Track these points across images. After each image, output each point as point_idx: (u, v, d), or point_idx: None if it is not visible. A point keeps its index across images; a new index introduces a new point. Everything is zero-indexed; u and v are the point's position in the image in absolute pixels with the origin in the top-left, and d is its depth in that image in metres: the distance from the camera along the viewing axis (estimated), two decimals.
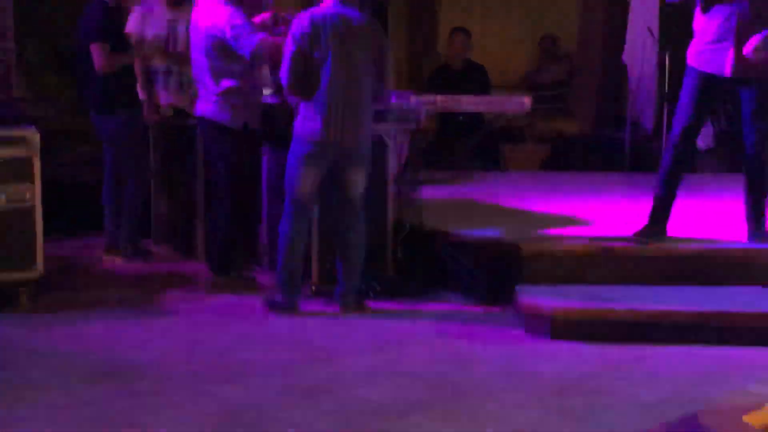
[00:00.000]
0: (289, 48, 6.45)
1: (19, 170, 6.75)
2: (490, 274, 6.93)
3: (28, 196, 6.77)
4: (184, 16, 7.82)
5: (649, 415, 4.83)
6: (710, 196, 8.50)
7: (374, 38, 6.60)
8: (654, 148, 10.07)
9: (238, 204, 7.17)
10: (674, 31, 7.16)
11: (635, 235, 6.82)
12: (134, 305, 6.88)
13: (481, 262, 7.01)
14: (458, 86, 10.25)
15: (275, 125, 7.12)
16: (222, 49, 6.97)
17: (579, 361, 5.69)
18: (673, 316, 6.07)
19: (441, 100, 8.86)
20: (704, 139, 10.29)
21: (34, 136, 6.83)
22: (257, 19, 7.18)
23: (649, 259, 6.67)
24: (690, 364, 5.62)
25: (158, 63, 8.20)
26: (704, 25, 6.65)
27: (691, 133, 6.75)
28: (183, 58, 7.87)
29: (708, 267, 6.60)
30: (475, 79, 10.79)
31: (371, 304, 6.81)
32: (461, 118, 10.39)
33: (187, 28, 7.48)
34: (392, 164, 7.28)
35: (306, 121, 6.52)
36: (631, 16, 10.83)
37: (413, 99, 7.62)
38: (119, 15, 8.04)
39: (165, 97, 8.26)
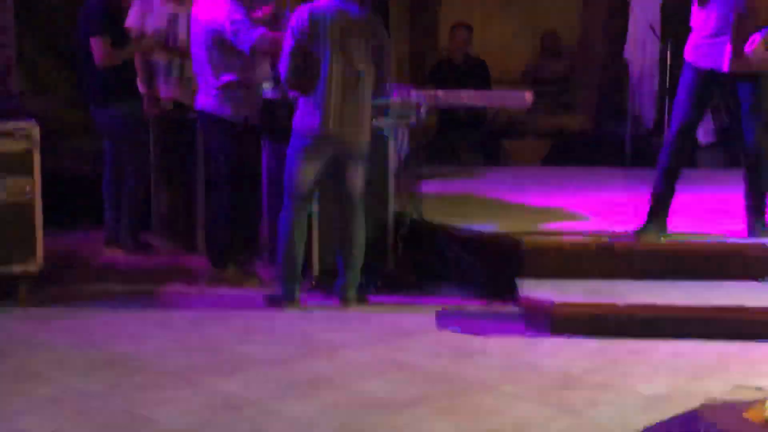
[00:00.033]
0: (288, 43, 6.44)
1: (18, 164, 6.74)
2: (490, 269, 6.93)
3: (27, 189, 6.77)
4: (185, 11, 7.82)
5: (649, 409, 4.83)
6: (711, 190, 8.49)
7: (373, 33, 6.59)
8: (655, 143, 10.05)
9: (238, 198, 7.17)
10: (675, 27, 7.14)
11: (636, 231, 6.81)
12: (134, 298, 6.88)
13: (481, 257, 7.01)
14: (459, 81, 10.25)
15: (275, 119, 7.12)
16: (222, 44, 6.96)
17: (579, 355, 5.69)
18: (673, 311, 6.07)
19: (442, 95, 8.85)
20: (705, 134, 10.28)
21: (33, 129, 6.82)
22: (258, 14, 7.17)
23: (650, 254, 6.67)
24: (690, 359, 5.62)
25: (159, 57, 8.19)
26: (701, 20, 6.65)
27: (688, 128, 6.74)
28: (183, 52, 7.86)
29: (708, 262, 6.59)
30: (476, 74, 10.79)
31: (372, 298, 6.81)
32: (462, 112, 10.39)
33: (188, 23, 7.48)
34: (393, 159, 7.28)
35: (305, 116, 6.51)
36: (632, 12, 10.82)
37: (414, 94, 7.61)
38: (119, 9, 8.03)
39: (165, 91, 8.26)
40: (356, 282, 6.70)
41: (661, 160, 6.81)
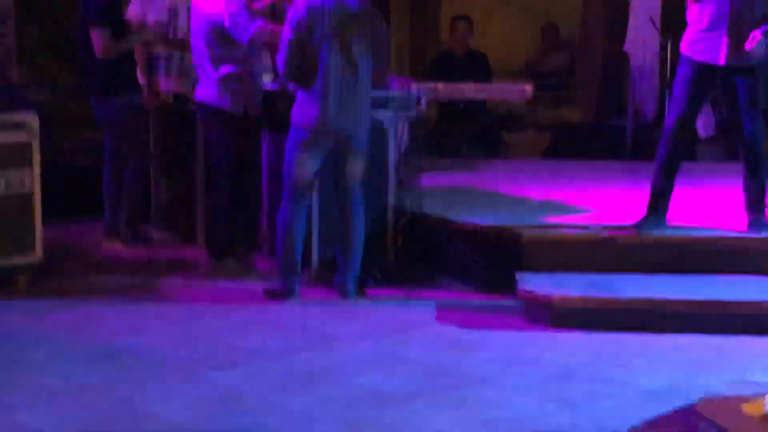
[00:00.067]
0: (286, 35, 6.43)
1: (18, 155, 6.75)
2: (490, 262, 6.93)
3: (27, 181, 6.77)
4: (185, 3, 7.82)
5: (647, 403, 4.83)
6: (711, 184, 8.47)
7: (372, 25, 6.58)
8: (655, 136, 9.96)
9: (238, 190, 7.16)
10: (676, 20, 7.13)
11: (636, 225, 6.81)
12: (133, 290, 6.88)
13: (481, 250, 7.00)
14: (460, 74, 10.23)
15: (275, 111, 7.11)
16: (221, 36, 6.96)
17: (578, 349, 5.69)
18: (673, 305, 6.06)
19: (442, 88, 8.84)
20: (706, 128, 10.27)
21: (33, 121, 6.82)
22: (257, 5, 7.16)
23: (650, 248, 6.66)
24: (689, 353, 5.62)
25: (159, 49, 8.18)
26: (697, 13, 6.64)
27: (686, 122, 6.73)
28: (184, 44, 7.85)
29: (708, 256, 6.59)
30: (476, 67, 10.76)
31: (371, 291, 6.81)
32: (462, 105, 10.37)
33: (188, 14, 7.47)
34: (393, 151, 7.27)
35: (303, 108, 6.51)
36: (633, 5, 10.79)
37: (414, 86, 7.60)
38: (120, 1, 8.02)
39: (165, 83, 8.25)
40: (355, 275, 6.70)
41: (659, 154, 6.80)
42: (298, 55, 6.42)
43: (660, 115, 10.25)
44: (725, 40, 6.49)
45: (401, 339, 5.88)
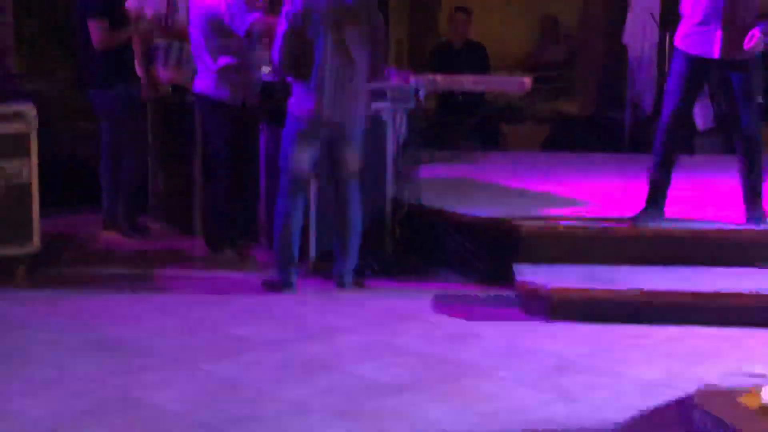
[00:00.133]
0: (281, 27, 6.42)
1: (15, 146, 6.74)
2: (488, 254, 6.93)
3: (24, 171, 6.77)
4: None
5: (644, 394, 4.83)
6: (709, 177, 8.47)
7: (368, 16, 6.56)
8: (654, 129, 9.99)
9: (235, 181, 7.16)
10: (675, 12, 7.12)
11: (633, 217, 6.81)
12: (131, 281, 6.88)
13: (479, 242, 7.00)
14: (459, 66, 10.23)
15: (274, 102, 7.10)
16: (219, 27, 6.96)
17: (575, 340, 5.69)
18: (670, 297, 6.07)
19: (441, 80, 8.83)
20: (704, 120, 10.26)
21: (30, 111, 6.82)
22: None
23: (647, 240, 6.66)
24: (686, 345, 5.62)
25: (157, 40, 8.17)
26: (691, 7, 6.63)
27: (681, 116, 6.72)
28: (182, 36, 7.84)
29: (705, 248, 6.59)
30: (475, 59, 10.76)
31: (369, 282, 6.81)
32: (461, 97, 10.37)
33: (186, 6, 7.46)
34: (391, 143, 7.27)
35: (299, 100, 6.50)
36: None
37: (413, 78, 7.59)
38: None
39: (164, 74, 8.24)
40: (353, 266, 6.70)
41: (655, 147, 6.81)
42: (294, 47, 6.41)
43: (658, 108, 10.22)
44: (719, 33, 6.49)
45: (399, 330, 5.88)
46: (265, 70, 7.37)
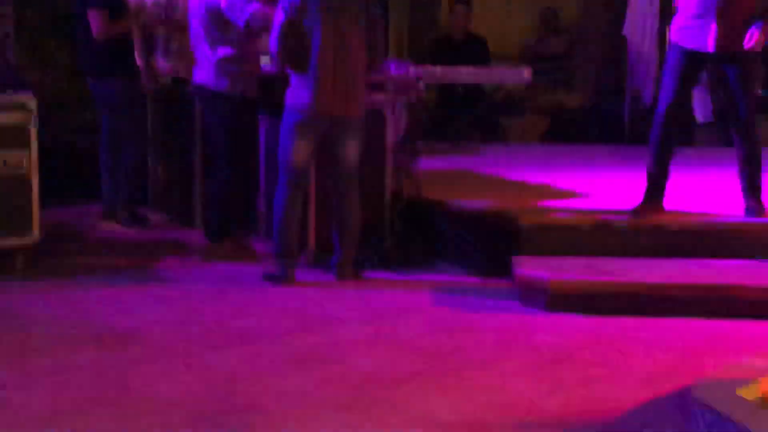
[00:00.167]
0: (279, 18, 6.41)
1: (15, 136, 6.74)
2: (487, 246, 6.93)
3: (24, 162, 6.77)
4: None
5: (643, 387, 4.83)
6: (708, 169, 8.48)
7: (365, 7, 6.55)
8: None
9: (235, 172, 7.16)
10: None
11: (633, 210, 6.81)
12: (130, 272, 6.88)
13: (478, 234, 7.01)
14: (458, 58, 10.22)
15: (273, 93, 7.10)
16: (218, 18, 6.95)
17: (574, 332, 5.70)
18: (668, 289, 6.07)
19: (441, 72, 8.83)
20: (704, 113, 10.27)
21: (30, 102, 6.81)
22: None
23: (646, 233, 6.67)
24: (685, 337, 5.62)
25: (157, 31, 8.17)
26: (686, 0, 6.64)
27: (676, 109, 6.73)
28: (182, 26, 7.84)
29: (704, 241, 6.60)
30: (475, 51, 10.76)
31: (368, 274, 6.81)
32: (461, 89, 10.37)
33: None
34: (391, 135, 7.27)
35: (297, 92, 6.50)
36: None
37: (413, 70, 7.59)
38: None
39: (163, 65, 8.24)
40: (352, 258, 6.71)
41: (652, 141, 6.81)
42: (291, 37, 6.41)
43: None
44: (714, 27, 6.49)
45: (397, 322, 5.88)
46: (265, 60, 7.36)
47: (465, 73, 9.36)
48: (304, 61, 6.44)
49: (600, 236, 6.66)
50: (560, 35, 12.27)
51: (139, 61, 8.09)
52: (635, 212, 6.79)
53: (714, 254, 6.51)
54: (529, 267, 6.33)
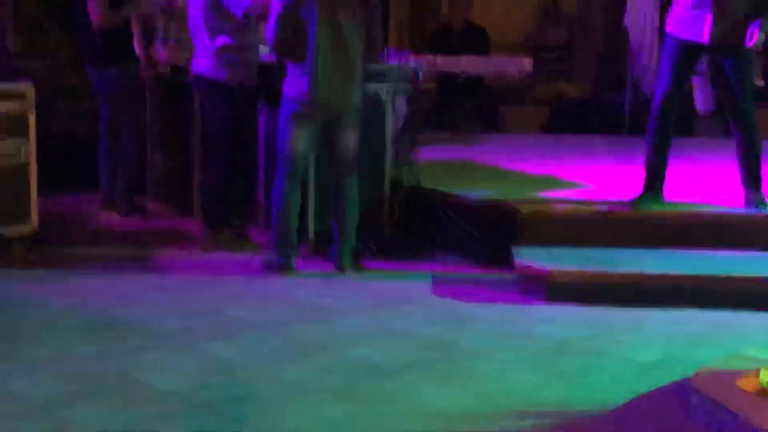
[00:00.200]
0: (275, 7, 6.39)
1: (13, 125, 6.72)
2: (487, 236, 6.92)
3: (22, 150, 6.75)
4: None
5: (642, 377, 4.83)
6: (709, 160, 8.47)
7: None
8: None
9: (234, 161, 7.14)
10: None
11: (632, 200, 6.80)
12: (129, 261, 6.87)
13: (478, 224, 7.00)
14: (459, 47, 10.20)
15: (272, 83, 7.08)
16: (217, 7, 6.93)
17: (573, 323, 5.69)
18: (668, 280, 6.06)
19: (441, 61, 8.81)
20: (704, 103, 10.25)
21: (29, 90, 6.80)
22: None
23: (646, 223, 6.66)
24: (684, 328, 5.62)
25: (157, 20, 8.15)
26: None
27: (672, 100, 6.71)
28: (181, 15, 7.82)
29: (704, 231, 6.59)
30: (475, 41, 10.73)
31: (367, 264, 6.80)
32: (461, 79, 10.35)
33: None
34: (390, 124, 7.25)
35: (294, 82, 6.48)
36: None
37: (413, 59, 7.57)
38: None
39: (162, 54, 8.22)
40: (351, 248, 6.70)
41: (649, 132, 6.81)
42: (288, 28, 6.39)
43: None
44: (709, 18, 6.48)
45: (397, 312, 5.88)
46: (264, 50, 7.35)
47: (465, 63, 9.35)
48: (300, 52, 6.42)
49: (600, 226, 6.66)
50: (561, 25, 12.25)
51: (138, 50, 8.06)
52: (635, 203, 6.78)
53: (714, 245, 6.50)
54: (528, 257, 6.33)
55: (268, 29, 6.45)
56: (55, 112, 8.69)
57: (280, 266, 6.60)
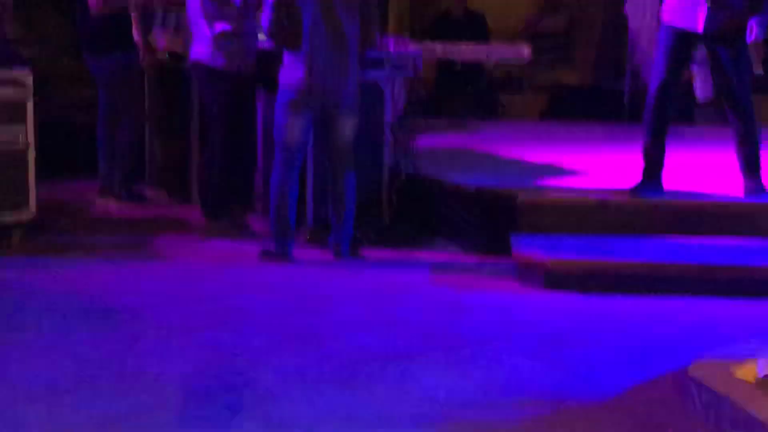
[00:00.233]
0: None
1: (12, 112, 6.72)
2: (485, 224, 6.92)
3: (21, 138, 6.75)
4: None
5: (640, 366, 4.82)
6: (709, 148, 8.46)
7: None
8: None
9: (232, 149, 7.13)
10: None
11: (632, 189, 6.80)
12: (127, 249, 6.87)
13: (477, 212, 6.99)
14: (458, 35, 10.19)
15: (270, 70, 7.07)
16: None
17: (572, 311, 5.69)
18: (667, 269, 6.06)
19: (440, 48, 8.80)
20: (704, 91, 10.23)
21: (27, 77, 6.79)
22: None
23: (645, 212, 6.66)
24: (683, 317, 5.62)
25: (155, 6, 8.13)
26: None
27: (667, 88, 6.70)
28: (179, 2, 7.79)
29: (703, 220, 6.59)
30: (475, 28, 10.73)
31: (365, 251, 6.80)
32: (460, 66, 10.34)
33: None
34: (389, 112, 7.24)
35: (289, 69, 6.47)
36: None
37: (412, 46, 7.56)
38: None
39: (161, 41, 8.20)
40: (349, 236, 6.69)
41: (646, 121, 6.81)
42: (283, 15, 6.37)
43: None
44: (704, 7, 6.46)
45: (395, 300, 5.88)
46: (262, 37, 7.33)
47: (464, 50, 9.33)
48: (296, 39, 6.40)
49: (599, 215, 6.65)
50: (560, 12, 12.23)
51: (136, 37, 8.04)
52: (634, 191, 6.78)
53: (713, 233, 6.49)
54: (527, 246, 6.32)
55: (263, 17, 6.44)
56: (54, 99, 8.68)
57: (279, 254, 6.59)
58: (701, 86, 10.24)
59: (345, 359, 4.88)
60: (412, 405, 4.34)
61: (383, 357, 4.92)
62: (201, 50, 7.08)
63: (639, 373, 4.74)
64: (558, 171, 7.64)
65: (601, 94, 11.26)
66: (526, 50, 8.86)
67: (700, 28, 6.51)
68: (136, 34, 8.02)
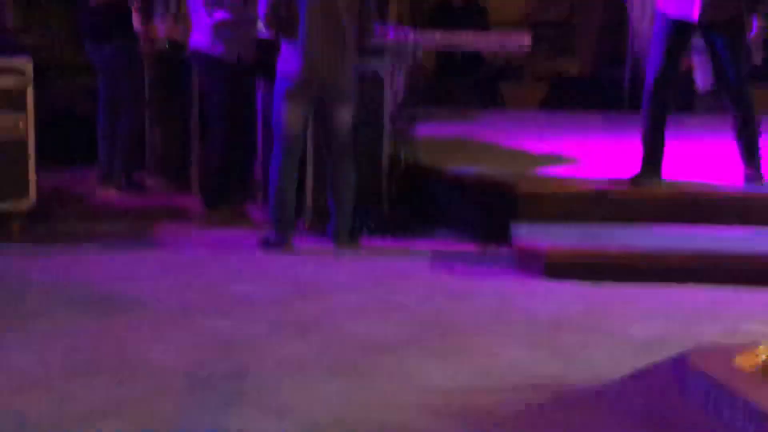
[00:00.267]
0: None
1: (12, 100, 6.71)
2: (485, 213, 6.92)
3: (21, 126, 6.73)
4: None
5: (640, 354, 4.83)
6: (709, 137, 8.45)
7: None
8: None
9: (232, 138, 7.13)
10: None
11: (631, 178, 6.80)
12: (127, 237, 6.87)
13: (476, 200, 6.99)
14: (458, 24, 10.18)
15: (270, 58, 7.06)
16: None
17: (572, 299, 5.69)
18: (666, 257, 6.06)
19: (440, 37, 8.78)
20: (704, 81, 10.22)
21: (27, 65, 6.78)
22: None
23: (645, 201, 6.65)
24: (682, 304, 5.62)
25: None
26: None
27: (664, 78, 6.69)
28: None
29: (702, 209, 6.58)
30: (475, 17, 10.71)
31: (365, 240, 6.80)
32: (460, 55, 10.33)
33: None
34: (388, 100, 7.23)
35: (286, 59, 6.47)
36: None
37: (412, 35, 7.55)
38: None
39: (161, 29, 8.18)
40: (349, 225, 6.69)
41: (644, 111, 6.80)
42: (280, 4, 6.36)
43: None
44: None
45: (394, 288, 5.88)
46: (261, 25, 7.32)
47: (464, 39, 9.32)
48: (293, 28, 6.40)
49: (598, 204, 6.64)
50: (561, 1, 12.21)
51: (137, 26, 8.03)
52: (634, 180, 6.77)
53: (712, 222, 6.49)
54: (527, 234, 6.32)
55: (260, 5, 6.43)
56: (54, 87, 8.67)
57: (278, 243, 6.59)
58: (701, 76, 10.23)
59: (344, 347, 4.88)
60: (411, 392, 4.35)
61: (382, 345, 4.93)
62: (200, 39, 7.08)
63: (638, 360, 4.74)
64: (558, 160, 7.63)
65: (601, 83, 11.25)
66: (526, 39, 8.85)
67: (695, 16, 6.50)
68: (136, 22, 8.01)
